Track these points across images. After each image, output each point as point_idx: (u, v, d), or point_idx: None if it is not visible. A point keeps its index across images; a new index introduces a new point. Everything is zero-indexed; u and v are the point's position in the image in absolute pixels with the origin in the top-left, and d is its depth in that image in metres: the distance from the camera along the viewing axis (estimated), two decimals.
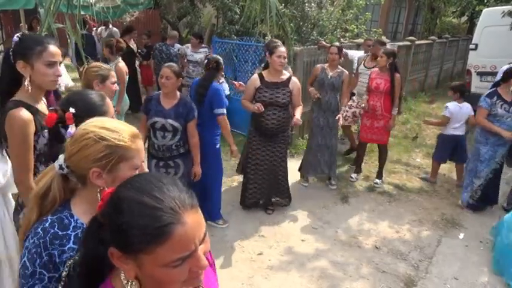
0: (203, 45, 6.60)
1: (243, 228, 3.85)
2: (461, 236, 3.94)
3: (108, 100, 1.62)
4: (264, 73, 3.79)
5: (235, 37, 7.16)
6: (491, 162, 4.18)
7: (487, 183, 4.24)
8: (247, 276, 3.19)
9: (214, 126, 3.63)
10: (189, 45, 6.60)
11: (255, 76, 3.82)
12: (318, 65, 4.74)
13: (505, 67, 4.21)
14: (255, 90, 3.75)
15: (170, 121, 3.10)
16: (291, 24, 6.54)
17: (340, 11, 8.05)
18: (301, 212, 4.21)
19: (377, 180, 4.94)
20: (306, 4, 7.15)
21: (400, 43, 9.20)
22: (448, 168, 5.57)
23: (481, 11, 8.45)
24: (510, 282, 3.17)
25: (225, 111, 3.56)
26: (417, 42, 9.81)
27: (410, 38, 9.85)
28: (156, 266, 0.78)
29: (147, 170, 1.46)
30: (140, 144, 1.18)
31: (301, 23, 7.24)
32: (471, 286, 3.21)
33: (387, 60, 4.50)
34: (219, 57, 3.77)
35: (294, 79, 3.84)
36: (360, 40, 7.62)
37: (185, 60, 6.50)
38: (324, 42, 6.13)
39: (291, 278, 3.21)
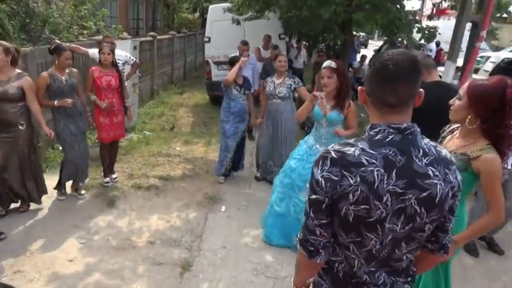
0: None
1: None
2: (223, 208, 4.39)
3: None
4: None
5: None
6: (235, 136, 4.87)
7: (233, 155, 4.96)
8: None
9: None
10: None
11: None
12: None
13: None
14: None
15: None
16: (12, 22, 5.65)
17: (73, 7, 7.49)
18: (63, 229, 3.78)
19: (107, 179, 4.74)
20: None
21: (143, 39, 9.35)
22: (204, 151, 6.10)
23: (208, 7, 9.48)
24: (264, 237, 3.79)
25: None
26: (159, 37, 10.19)
27: (152, 33, 10.14)
28: None
29: None
30: None
31: (27, 20, 6.36)
32: (236, 248, 3.64)
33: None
34: None
35: None
36: (100, 37, 7.31)
37: None
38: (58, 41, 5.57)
39: None
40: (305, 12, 6.42)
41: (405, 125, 1.21)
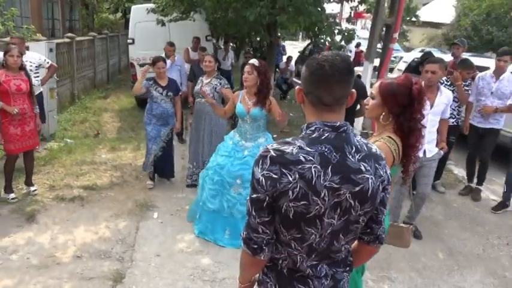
0: None
1: None
2: (155, 215, 4.25)
3: None
4: None
5: None
6: (157, 139, 4.75)
7: (158, 158, 4.82)
8: None
9: None
10: None
11: None
12: None
13: None
14: None
15: None
16: None
17: None
18: None
19: (12, 195, 4.31)
20: None
21: (60, 40, 8.77)
22: (132, 157, 5.87)
23: (131, 7, 9.14)
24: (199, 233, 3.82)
25: None
26: (78, 38, 9.62)
27: (70, 34, 9.52)
28: None
29: None
30: None
31: None
32: (171, 254, 3.54)
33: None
34: None
35: None
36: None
37: None
38: None
39: None
40: (231, 14, 6.48)
41: (339, 123, 1.28)
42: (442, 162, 5.27)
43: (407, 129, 2.06)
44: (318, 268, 1.37)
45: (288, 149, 1.24)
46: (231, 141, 3.85)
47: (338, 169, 1.24)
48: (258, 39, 8.93)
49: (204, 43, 8.26)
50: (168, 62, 6.41)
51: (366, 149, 1.31)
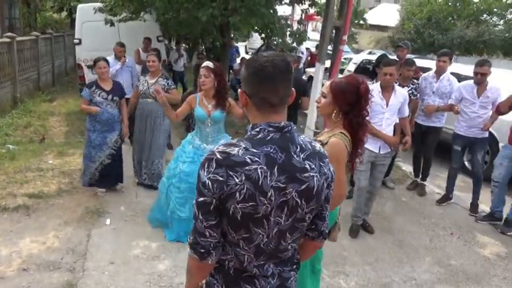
0: None
1: None
2: (108, 221, 4.10)
3: None
4: None
5: None
6: (103, 147, 4.51)
7: (105, 166, 4.55)
8: None
9: None
10: None
11: None
12: None
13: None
14: None
15: None
16: None
17: None
18: None
19: None
20: None
21: None
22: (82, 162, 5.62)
23: (77, 6, 8.77)
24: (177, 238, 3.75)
25: None
26: (19, 38, 9.08)
27: (10, 34, 8.97)
28: None
29: None
30: None
31: None
32: (126, 261, 3.43)
33: None
34: None
35: None
36: None
37: None
38: None
39: None
40: (183, 14, 6.38)
41: (283, 123, 1.30)
42: (391, 159, 5.52)
43: (356, 125, 2.24)
44: (265, 268, 1.37)
45: (233, 151, 1.24)
46: (191, 145, 3.77)
47: (284, 169, 1.25)
48: (212, 40, 8.88)
49: (156, 44, 8.09)
50: (118, 64, 6.23)
51: (310, 147, 1.33)
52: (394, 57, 5.88)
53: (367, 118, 2.31)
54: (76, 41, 8.29)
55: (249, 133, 1.31)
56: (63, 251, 3.55)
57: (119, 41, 6.61)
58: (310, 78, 8.85)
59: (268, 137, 1.26)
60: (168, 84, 4.61)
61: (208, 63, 3.68)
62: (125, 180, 4.87)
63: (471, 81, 4.73)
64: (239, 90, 1.36)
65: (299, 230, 1.37)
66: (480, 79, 4.56)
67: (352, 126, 2.24)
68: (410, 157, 5.77)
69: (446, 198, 5.09)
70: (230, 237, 1.31)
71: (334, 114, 2.28)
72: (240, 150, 1.24)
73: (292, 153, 1.28)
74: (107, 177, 4.63)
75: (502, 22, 20.35)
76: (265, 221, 1.27)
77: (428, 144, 5.32)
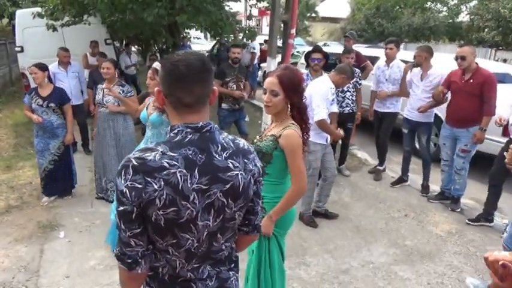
0: None
1: None
2: (61, 234, 3.95)
3: None
4: None
5: None
6: (45, 153, 4.48)
7: (49, 173, 4.51)
8: None
9: None
10: None
11: None
12: None
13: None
14: None
15: None
16: None
17: None
18: None
19: None
20: None
21: None
22: (32, 174, 5.38)
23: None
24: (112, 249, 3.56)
25: None
26: None
27: None
28: None
29: None
30: None
31: None
32: (82, 273, 3.32)
33: None
34: None
35: None
36: None
37: None
38: None
39: None
40: (129, 16, 6.22)
41: (201, 123, 1.25)
42: (345, 147, 5.66)
43: (303, 110, 2.26)
44: (200, 270, 1.34)
45: (150, 156, 1.19)
46: None
47: (205, 170, 1.22)
48: (164, 40, 8.72)
49: (104, 47, 7.85)
50: (62, 70, 6.01)
51: (232, 145, 1.31)
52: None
53: None
54: (18, 48, 7.91)
55: (168, 135, 1.26)
56: (15, 269, 3.39)
57: (62, 46, 6.36)
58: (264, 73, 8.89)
59: (187, 139, 1.23)
60: (124, 91, 4.39)
61: (156, 65, 3.51)
62: (78, 190, 4.70)
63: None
64: (156, 88, 1.31)
65: (230, 229, 1.36)
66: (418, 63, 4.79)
67: (299, 112, 2.23)
68: (366, 144, 5.94)
69: (400, 180, 5.29)
70: (158, 244, 1.28)
71: (288, 108, 2.25)
72: (157, 155, 1.19)
73: (214, 153, 1.25)
74: (52, 184, 4.54)
75: (445, 9, 21.35)
76: (192, 226, 1.24)
77: (383, 130, 5.50)
